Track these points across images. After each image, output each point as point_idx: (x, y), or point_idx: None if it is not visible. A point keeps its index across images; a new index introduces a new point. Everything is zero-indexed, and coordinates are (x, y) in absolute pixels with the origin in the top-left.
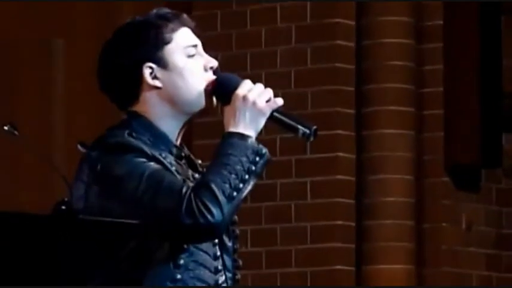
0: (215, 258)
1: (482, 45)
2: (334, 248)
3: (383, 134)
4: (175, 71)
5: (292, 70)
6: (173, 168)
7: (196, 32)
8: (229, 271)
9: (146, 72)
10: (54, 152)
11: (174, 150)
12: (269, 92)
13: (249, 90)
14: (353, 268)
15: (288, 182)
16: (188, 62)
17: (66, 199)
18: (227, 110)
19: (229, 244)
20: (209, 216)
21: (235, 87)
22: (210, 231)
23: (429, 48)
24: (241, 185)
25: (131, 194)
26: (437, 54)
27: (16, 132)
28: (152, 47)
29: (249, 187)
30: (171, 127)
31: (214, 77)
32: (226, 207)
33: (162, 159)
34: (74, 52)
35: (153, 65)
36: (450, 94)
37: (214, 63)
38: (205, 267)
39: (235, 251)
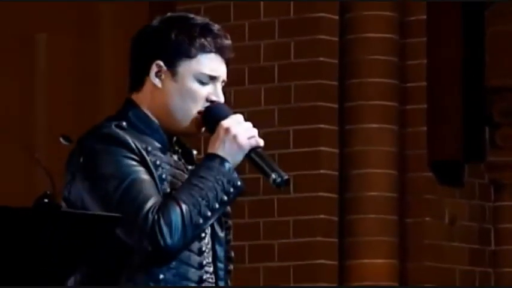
0: (200, 253)
1: (465, 40)
2: (316, 242)
3: (366, 129)
4: (178, 86)
5: (276, 64)
6: (159, 168)
7: (228, 64)
8: (220, 261)
9: (153, 67)
10: (36, 144)
11: (166, 143)
12: (253, 131)
13: (235, 124)
14: (336, 262)
15: None
16: (194, 86)
17: (48, 192)
18: (211, 138)
19: (221, 235)
20: (169, 240)
21: (224, 118)
22: (167, 255)
23: (412, 43)
24: (209, 214)
25: (106, 197)
26: (420, 49)
27: None
28: (174, 49)
29: (216, 215)
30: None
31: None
32: (189, 234)
33: (146, 156)
34: (56, 46)
35: (163, 67)
36: (433, 89)
37: (220, 99)
38: (189, 264)
39: (227, 241)
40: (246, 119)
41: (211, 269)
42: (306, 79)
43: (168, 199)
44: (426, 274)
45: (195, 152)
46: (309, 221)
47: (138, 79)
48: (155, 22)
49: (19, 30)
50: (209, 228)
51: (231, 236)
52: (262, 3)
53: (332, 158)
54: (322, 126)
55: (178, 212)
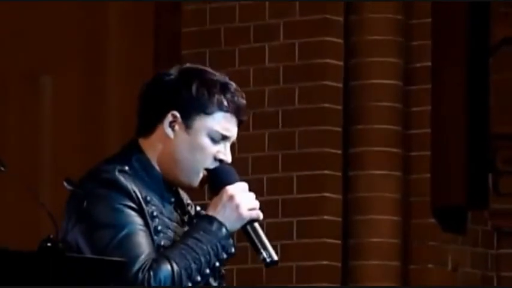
0: None
1: (469, 86)
2: None
3: (370, 175)
4: (190, 139)
5: (280, 110)
6: (155, 220)
7: (242, 125)
8: None
9: (169, 117)
10: (41, 188)
11: (165, 194)
12: (255, 203)
13: (239, 192)
14: None
15: (274, 221)
16: (206, 142)
17: (51, 236)
18: (214, 199)
19: (215, 284)
20: None
21: (230, 183)
22: None
23: (417, 90)
24: (199, 278)
25: (99, 245)
26: (425, 96)
27: (3, 168)
28: (193, 103)
29: (206, 279)
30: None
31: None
32: None
33: (145, 206)
34: (61, 89)
35: (179, 118)
36: (437, 135)
37: (227, 159)
38: None
39: None
40: (250, 164)
41: None
42: (310, 125)
43: (160, 258)
44: None
45: (189, 201)
46: (312, 267)
47: (149, 125)
48: (174, 71)
49: (24, 72)
50: None
51: (224, 285)
52: (267, 48)
53: (336, 204)
54: (326, 172)
55: (169, 274)
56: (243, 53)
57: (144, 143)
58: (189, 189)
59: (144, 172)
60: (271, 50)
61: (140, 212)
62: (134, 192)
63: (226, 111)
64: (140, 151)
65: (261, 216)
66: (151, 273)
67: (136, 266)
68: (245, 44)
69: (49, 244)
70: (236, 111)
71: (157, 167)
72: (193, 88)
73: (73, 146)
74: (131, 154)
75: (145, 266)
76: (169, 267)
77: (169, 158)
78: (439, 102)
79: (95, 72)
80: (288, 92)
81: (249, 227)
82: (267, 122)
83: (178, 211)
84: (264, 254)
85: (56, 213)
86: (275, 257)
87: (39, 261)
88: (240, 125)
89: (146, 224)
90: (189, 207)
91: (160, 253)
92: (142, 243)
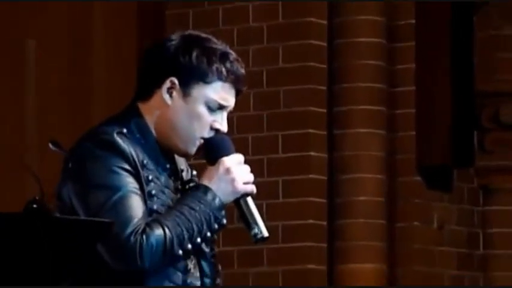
0: (186, 271)
1: (453, 44)
2: (306, 247)
3: (355, 133)
4: (188, 107)
5: (264, 69)
6: (150, 184)
7: (239, 96)
8: (207, 277)
9: (167, 83)
10: (26, 151)
11: (160, 160)
12: (250, 177)
13: (236, 165)
14: (325, 267)
15: (259, 181)
16: (203, 111)
17: (37, 197)
18: (209, 169)
19: (207, 250)
20: (146, 264)
21: (226, 154)
22: (137, 276)
23: (401, 48)
24: (189, 247)
25: (93, 206)
26: (409, 54)
27: None
28: (192, 70)
29: (195, 248)
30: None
31: (211, 135)
32: (166, 261)
33: (141, 169)
34: (45, 52)
35: (177, 85)
36: (422, 93)
37: (223, 128)
38: (175, 282)
39: (213, 256)
40: (235, 124)
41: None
42: (294, 84)
43: (153, 222)
44: (415, 279)
45: (182, 167)
46: (298, 226)
47: (148, 90)
48: (175, 37)
49: (8, 35)
50: None
51: (216, 251)
52: (250, 8)
53: (321, 163)
54: (311, 131)
55: (161, 239)
56: (227, 13)
57: (142, 107)
58: (183, 156)
59: (141, 136)
60: (255, 9)
61: (136, 175)
62: (132, 155)
63: (225, 80)
64: (139, 115)
65: (254, 190)
66: (144, 236)
67: (129, 229)
68: (228, 3)
69: (35, 206)
70: (235, 81)
71: (154, 132)
72: (193, 56)
73: (57, 109)
74: (130, 117)
75: (138, 230)
76: (162, 232)
77: (166, 125)
78: (424, 59)
79: (78, 36)
80: (272, 51)
81: (241, 201)
82: (251, 81)
83: (172, 178)
84: (256, 229)
85: (41, 176)
86: (266, 234)
87: (25, 223)
88: (238, 95)
89: (141, 188)
90: (184, 173)
91: (154, 218)
92: (136, 206)
